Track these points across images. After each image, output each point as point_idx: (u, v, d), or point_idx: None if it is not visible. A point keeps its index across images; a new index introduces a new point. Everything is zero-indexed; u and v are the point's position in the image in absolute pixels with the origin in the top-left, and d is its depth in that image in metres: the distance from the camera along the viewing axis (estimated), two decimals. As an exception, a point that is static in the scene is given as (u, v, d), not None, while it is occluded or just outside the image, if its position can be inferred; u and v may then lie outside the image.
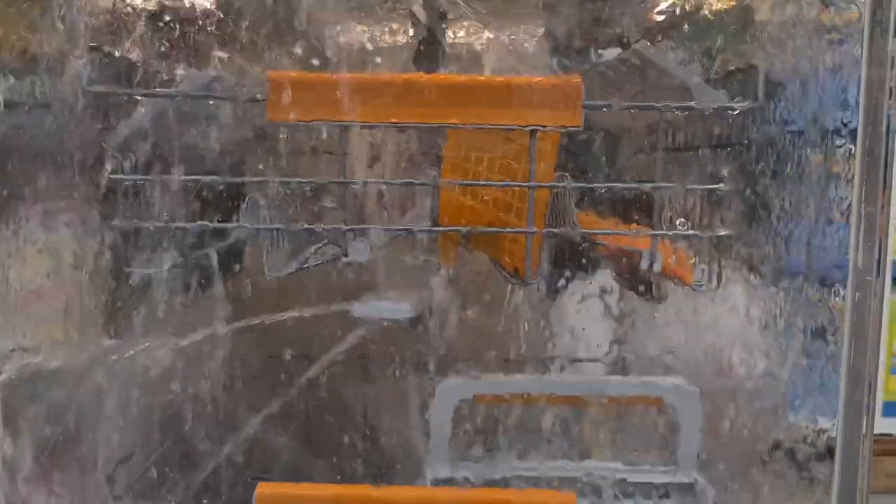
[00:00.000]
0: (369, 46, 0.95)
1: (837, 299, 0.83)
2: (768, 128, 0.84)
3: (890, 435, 2.88)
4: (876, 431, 2.77)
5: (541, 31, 0.91)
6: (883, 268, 0.81)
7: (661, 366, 0.93)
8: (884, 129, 0.77)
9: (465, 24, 0.96)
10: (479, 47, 0.96)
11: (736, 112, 0.84)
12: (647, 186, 0.84)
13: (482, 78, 0.80)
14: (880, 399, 2.87)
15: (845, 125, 0.77)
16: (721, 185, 0.82)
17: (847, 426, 0.83)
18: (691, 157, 0.91)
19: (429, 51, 0.93)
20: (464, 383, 0.88)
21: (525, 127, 0.79)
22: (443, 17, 0.96)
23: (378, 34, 0.97)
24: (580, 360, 0.91)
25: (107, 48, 0.81)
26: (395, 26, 0.95)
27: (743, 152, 0.89)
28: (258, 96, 0.78)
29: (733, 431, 0.91)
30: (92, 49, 0.79)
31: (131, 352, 0.84)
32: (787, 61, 0.80)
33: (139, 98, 0.81)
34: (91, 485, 0.81)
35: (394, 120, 0.79)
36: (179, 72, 0.82)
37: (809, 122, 0.81)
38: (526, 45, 0.92)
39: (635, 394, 0.90)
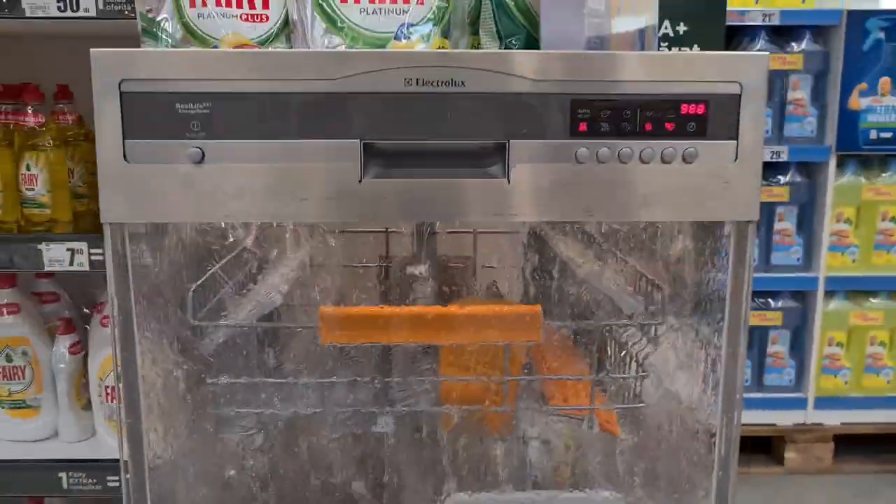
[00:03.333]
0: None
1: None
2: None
3: (821, 425, 3.33)
4: (810, 422, 3.24)
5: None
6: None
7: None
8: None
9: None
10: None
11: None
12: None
13: (471, 310, 1.13)
14: (813, 395, 3.31)
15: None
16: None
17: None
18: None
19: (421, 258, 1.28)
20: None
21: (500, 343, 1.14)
22: (433, 233, 1.30)
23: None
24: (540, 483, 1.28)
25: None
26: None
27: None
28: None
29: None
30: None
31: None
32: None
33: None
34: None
35: (411, 339, 1.13)
36: (256, 300, 1.15)
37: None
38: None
39: (581, 504, 1.27)
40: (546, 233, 1.33)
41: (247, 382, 1.16)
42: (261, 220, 1.02)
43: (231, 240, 1.16)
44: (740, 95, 0.98)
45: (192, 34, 1.06)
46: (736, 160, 0.99)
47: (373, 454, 1.21)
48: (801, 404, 3.24)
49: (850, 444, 3.26)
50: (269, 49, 1.08)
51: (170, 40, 1.06)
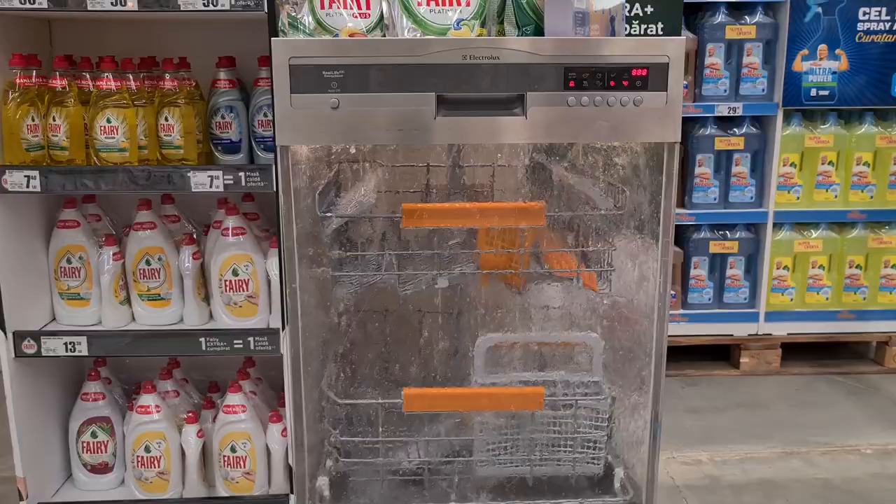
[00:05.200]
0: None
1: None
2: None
3: (770, 335, 3.98)
4: (761, 332, 4.06)
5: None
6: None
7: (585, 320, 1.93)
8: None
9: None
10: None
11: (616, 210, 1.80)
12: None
13: (502, 204, 1.75)
14: (764, 310, 3.94)
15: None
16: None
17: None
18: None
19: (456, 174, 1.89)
20: (489, 337, 1.87)
21: (519, 226, 1.76)
22: (462, 167, 1.90)
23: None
24: (548, 323, 1.91)
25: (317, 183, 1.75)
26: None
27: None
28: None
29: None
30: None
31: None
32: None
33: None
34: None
35: (461, 224, 1.75)
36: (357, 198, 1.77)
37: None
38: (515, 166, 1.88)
39: (573, 340, 1.89)
40: (545, 161, 1.94)
41: (351, 255, 1.78)
42: (373, 142, 1.63)
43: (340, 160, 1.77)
44: (668, 64, 1.59)
45: (321, 26, 1.65)
46: (666, 104, 1.60)
47: (432, 303, 1.83)
48: (754, 318, 3.89)
49: (795, 351, 3.92)
50: (371, 36, 1.68)
51: (306, 30, 1.66)
